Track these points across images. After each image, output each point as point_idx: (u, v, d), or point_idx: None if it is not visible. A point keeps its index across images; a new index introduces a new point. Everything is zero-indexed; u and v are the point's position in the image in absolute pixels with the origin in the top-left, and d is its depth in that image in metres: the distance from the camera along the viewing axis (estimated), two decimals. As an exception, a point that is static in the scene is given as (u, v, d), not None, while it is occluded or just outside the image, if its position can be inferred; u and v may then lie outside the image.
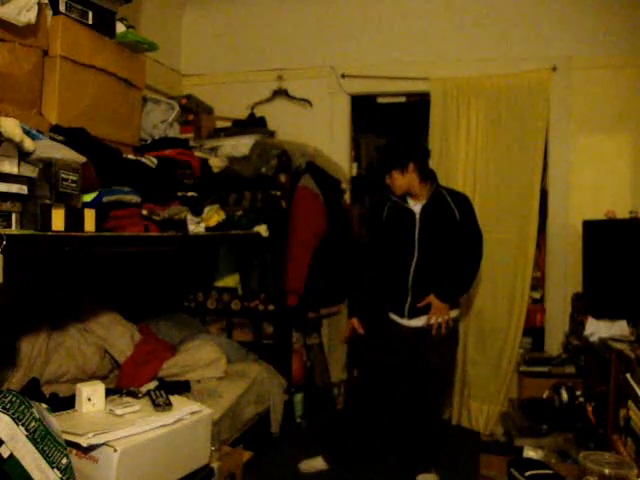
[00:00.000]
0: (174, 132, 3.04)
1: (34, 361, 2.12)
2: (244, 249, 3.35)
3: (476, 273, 2.66)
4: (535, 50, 3.29)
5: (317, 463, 2.71)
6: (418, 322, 2.58)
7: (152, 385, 2.24)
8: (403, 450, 2.81)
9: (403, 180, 2.55)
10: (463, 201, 2.62)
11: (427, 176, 2.59)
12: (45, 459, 1.31)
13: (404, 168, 2.53)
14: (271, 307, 3.10)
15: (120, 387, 2.14)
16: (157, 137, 2.83)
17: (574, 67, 3.24)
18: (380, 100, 3.74)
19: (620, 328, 2.51)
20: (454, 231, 2.55)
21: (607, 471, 1.51)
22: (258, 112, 3.59)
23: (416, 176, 2.55)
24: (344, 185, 3.64)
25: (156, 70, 3.35)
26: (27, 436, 1.28)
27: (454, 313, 2.62)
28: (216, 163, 2.92)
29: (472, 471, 2.48)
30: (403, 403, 2.94)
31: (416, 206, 2.58)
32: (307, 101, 3.63)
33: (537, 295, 3.40)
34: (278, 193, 3.04)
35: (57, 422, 1.41)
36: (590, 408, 2.57)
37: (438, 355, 2.61)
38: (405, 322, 2.60)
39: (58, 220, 1.55)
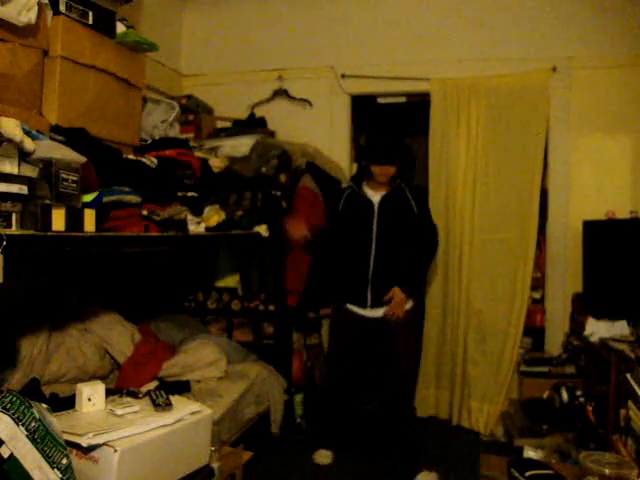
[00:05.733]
0: (174, 132, 3.04)
1: (34, 361, 2.12)
2: (244, 249, 3.34)
3: (430, 265, 2.84)
4: (535, 50, 3.29)
5: (326, 458, 2.80)
6: (378, 312, 2.65)
7: (152, 385, 2.24)
8: (394, 448, 2.82)
9: (392, 173, 2.64)
10: (421, 194, 2.75)
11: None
12: (45, 459, 1.31)
13: (404, 164, 2.67)
14: (271, 307, 3.10)
15: (120, 387, 2.13)
16: (157, 137, 2.82)
17: (574, 67, 3.24)
18: (380, 100, 3.74)
19: (620, 328, 2.51)
20: (411, 222, 2.65)
21: (607, 471, 1.50)
22: (258, 112, 3.59)
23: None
24: (344, 185, 3.64)
25: (156, 70, 3.34)
26: (27, 436, 1.28)
27: (408, 305, 2.69)
28: (216, 163, 2.92)
29: (472, 471, 2.49)
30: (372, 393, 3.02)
31: (375, 196, 2.66)
32: (307, 101, 3.63)
33: (537, 295, 3.39)
34: (278, 193, 3.04)
35: (57, 422, 1.41)
36: (590, 408, 2.57)
37: (401, 340, 2.67)
38: (367, 312, 2.67)
39: (58, 220, 1.54)
